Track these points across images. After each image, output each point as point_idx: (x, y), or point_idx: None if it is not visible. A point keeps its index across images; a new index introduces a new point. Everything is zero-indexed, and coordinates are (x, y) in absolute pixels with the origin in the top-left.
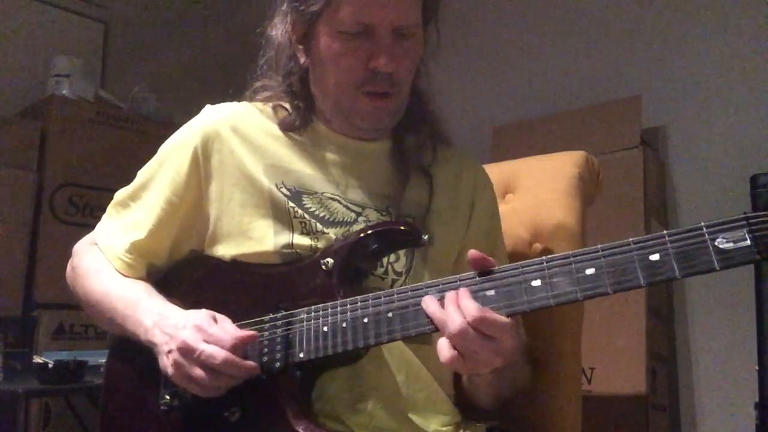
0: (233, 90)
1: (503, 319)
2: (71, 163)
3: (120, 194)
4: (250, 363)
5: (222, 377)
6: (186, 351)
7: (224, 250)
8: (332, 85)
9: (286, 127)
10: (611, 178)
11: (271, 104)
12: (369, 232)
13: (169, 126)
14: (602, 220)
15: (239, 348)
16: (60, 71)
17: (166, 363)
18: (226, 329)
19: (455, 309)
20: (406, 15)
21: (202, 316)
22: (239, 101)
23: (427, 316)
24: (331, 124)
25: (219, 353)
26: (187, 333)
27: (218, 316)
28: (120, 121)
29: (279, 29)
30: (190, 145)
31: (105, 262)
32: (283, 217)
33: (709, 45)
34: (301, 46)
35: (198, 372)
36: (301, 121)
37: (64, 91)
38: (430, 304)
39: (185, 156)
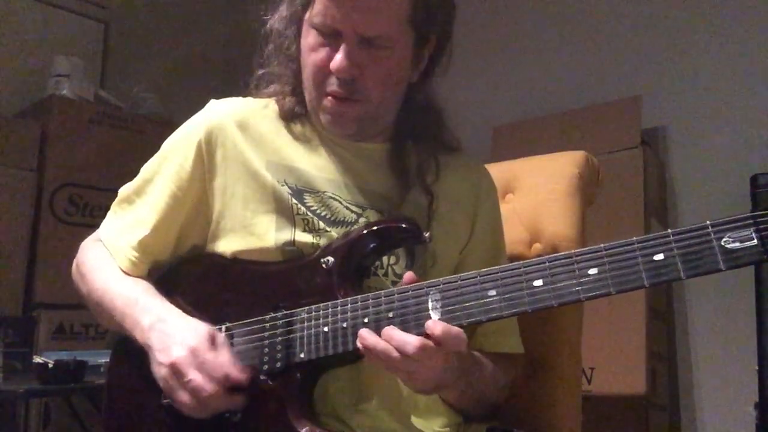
0: (238, 88)
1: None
2: (71, 163)
3: (124, 190)
4: (236, 400)
5: (206, 407)
6: (176, 372)
7: (226, 246)
8: (305, 79)
9: (286, 114)
10: (611, 178)
11: (274, 99)
12: (369, 229)
13: (169, 126)
14: (602, 220)
15: (228, 382)
16: (60, 71)
17: (156, 373)
18: (221, 359)
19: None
20: (373, 25)
21: (200, 337)
22: (243, 97)
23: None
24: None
25: (206, 387)
26: (181, 353)
27: (219, 337)
28: (120, 121)
29: (279, 18)
30: (194, 140)
31: (108, 260)
32: (285, 214)
33: (709, 45)
34: (297, 35)
35: (183, 396)
36: (300, 107)
37: (64, 91)
38: (368, 336)
39: (189, 150)
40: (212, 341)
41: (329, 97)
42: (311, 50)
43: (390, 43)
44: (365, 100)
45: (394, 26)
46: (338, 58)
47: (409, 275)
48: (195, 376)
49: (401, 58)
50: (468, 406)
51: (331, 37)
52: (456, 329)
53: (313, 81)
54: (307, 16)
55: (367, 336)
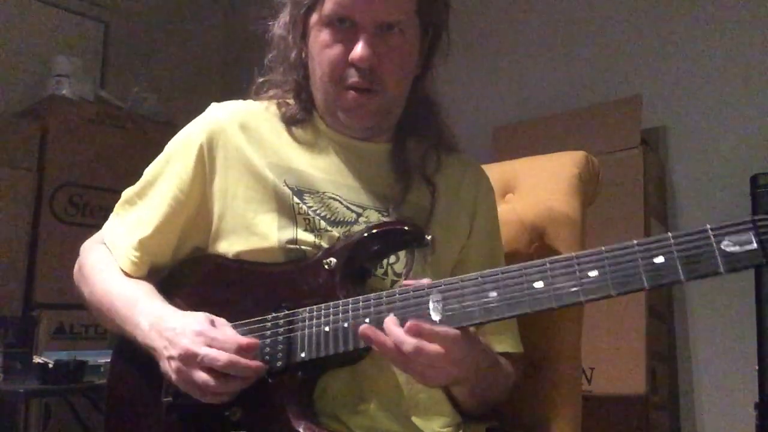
0: (237, 88)
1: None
2: (71, 163)
3: (127, 192)
4: (257, 362)
5: (228, 381)
6: (187, 357)
7: (228, 246)
8: (319, 79)
9: (288, 120)
10: (611, 178)
11: (275, 101)
12: (372, 231)
13: (169, 126)
14: (602, 220)
15: (242, 353)
16: (60, 71)
17: (168, 369)
18: (228, 334)
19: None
20: (390, 11)
21: (199, 320)
22: (244, 99)
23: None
24: (327, 121)
25: (222, 355)
26: (187, 340)
27: (217, 320)
28: (120, 121)
29: (281, 24)
30: (195, 142)
31: (109, 261)
32: (287, 213)
33: (709, 45)
34: (301, 40)
35: (202, 376)
36: (303, 114)
37: (64, 91)
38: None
39: (191, 153)
40: (211, 322)
41: (349, 92)
42: (325, 47)
43: (404, 27)
44: (383, 91)
45: (406, 13)
46: (359, 48)
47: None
48: (207, 351)
49: (412, 47)
50: (474, 404)
51: (345, 30)
52: (444, 331)
53: (330, 77)
54: (315, 17)
55: (366, 330)
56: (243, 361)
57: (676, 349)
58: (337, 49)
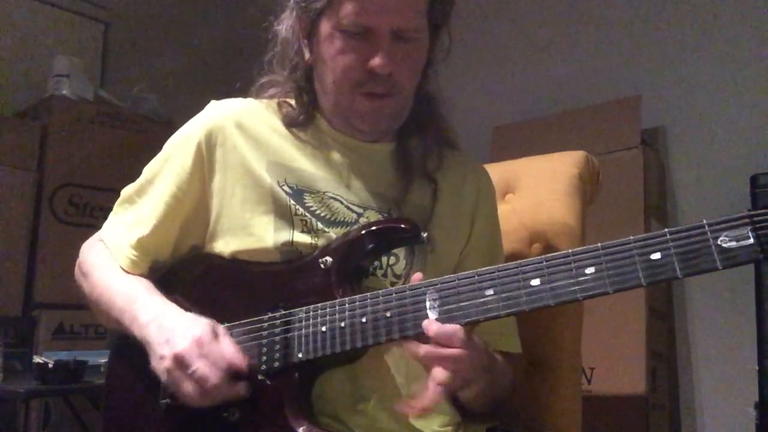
0: (239, 86)
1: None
2: (71, 163)
3: (126, 190)
4: (240, 388)
5: (211, 397)
6: (180, 364)
7: (224, 246)
8: (330, 84)
9: (289, 122)
10: (611, 178)
11: (276, 100)
12: (368, 229)
13: (169, 126)
14: (602, 220)
15: (233, 371)
16: (60, 71)
17: (158, 367)
18: (225, 348)
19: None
20: (406, 19)
21: (203, 329)
22: (245, 97)
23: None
24: (332, 123)
25: (212, 376)
26: (186, 345)
27: (219, 329)
28: (120, 121)
29: (285, 24)
30: (194, 141)
31: (109, 259)
32: (283, 215)
33: (709, 45)
34: (306, 42)
35: (188, 387)
36: (305, 117)
37: (64, 91)
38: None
39: (189, 151)
40: (214, 332)
41: (365, 97)
42: (340, 54)
43: (417, 34)
44: (398, 94)
45: (420, 18)
46: (380, 56)
47: (417, 276)
48: (199, 366)
49: (424, 49)
50: (481, 404)
51: (361, 37)
52: (451, 327)
53: (345, 83)
54: (327, 23)
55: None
56: (227, 389)
57: (676, 349)
58: (353, 56)
